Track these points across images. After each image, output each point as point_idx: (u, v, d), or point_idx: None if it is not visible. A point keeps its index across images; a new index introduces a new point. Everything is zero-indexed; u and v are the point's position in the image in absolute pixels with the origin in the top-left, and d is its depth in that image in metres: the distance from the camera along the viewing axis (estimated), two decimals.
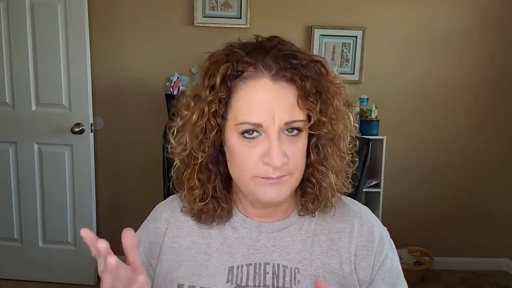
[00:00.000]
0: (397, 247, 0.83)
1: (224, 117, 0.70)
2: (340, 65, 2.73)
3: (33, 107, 2.51)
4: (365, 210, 0.82)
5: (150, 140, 2.66)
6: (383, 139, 2.57)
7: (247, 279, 0.75)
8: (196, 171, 0.74)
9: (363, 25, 2.72)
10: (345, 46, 2.74)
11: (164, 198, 0.88)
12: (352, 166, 0.78)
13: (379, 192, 2.60)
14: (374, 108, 2.59)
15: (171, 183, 0.80)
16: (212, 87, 0.69)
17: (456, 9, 2.76)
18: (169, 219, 0.81)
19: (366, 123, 2.58)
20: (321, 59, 0.72)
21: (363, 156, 1.56)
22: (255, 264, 0.76)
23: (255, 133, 0.68)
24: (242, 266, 0.76)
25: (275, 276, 0.75)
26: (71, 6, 2.40)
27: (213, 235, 0.79)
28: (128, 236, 0.60)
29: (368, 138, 1.62)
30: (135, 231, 0.84)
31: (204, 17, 2.64)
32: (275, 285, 0.75)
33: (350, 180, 0.79)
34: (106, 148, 2.74)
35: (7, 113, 2.53)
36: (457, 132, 2.86)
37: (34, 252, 2.63)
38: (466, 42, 2.79)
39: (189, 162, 0.74)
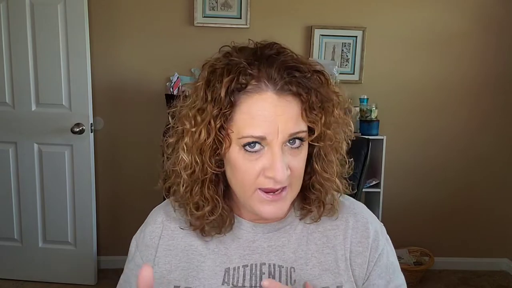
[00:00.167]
0: (397, 247, 0.83)
1: (225, 130, 0.69)
2: (340, 65, 2.74)
3: (33, 107, 2.51)
4: (359, 207, 0.82)
5: (150, 140, 2.67)
6: (383, 139, 2.57)
7: (243, 280, 0.75)
8: (205, 187, 0.72)
9: (363, 25, 2.72)
10: (345, 46, 2.74)
11: (164, 199, 0.87)
12: (350, 166, 0.79)
13: (379, 192, 2.61)
14: (374, 108, 2.59)
15: (163, 190, 0.79)
16: (215, 100, 0.67)
17: (456, 10, 2.76)
18: (164, 222, 0.81)
19: (366, 123, 2.59)
20: (322, 69, 0.72)
21: (363, 156, 1.57)
22: (251, 265, 0.76)
23: (257, 146, 0.67)
24: (238, 267, 0.76)
25: (271, 276, 0.75)
26: (71, 6, 2.40)
27: (208, 237, 0.78)
28: (143, 276, 0.57)
29: (368, 138, 1.62)
30: (134, 232, 0.85)
31: (204, 17, 2.64)
32: None
33: (349, 180, 0.79)
34: (106, 148, 2.74)
35: (7, 113, 2.53)
36: (457, 132, 2.86)
37: (34, 252, 2.63)
38: (466, 42, 2.79)
39: (195, 179, 0.72)
